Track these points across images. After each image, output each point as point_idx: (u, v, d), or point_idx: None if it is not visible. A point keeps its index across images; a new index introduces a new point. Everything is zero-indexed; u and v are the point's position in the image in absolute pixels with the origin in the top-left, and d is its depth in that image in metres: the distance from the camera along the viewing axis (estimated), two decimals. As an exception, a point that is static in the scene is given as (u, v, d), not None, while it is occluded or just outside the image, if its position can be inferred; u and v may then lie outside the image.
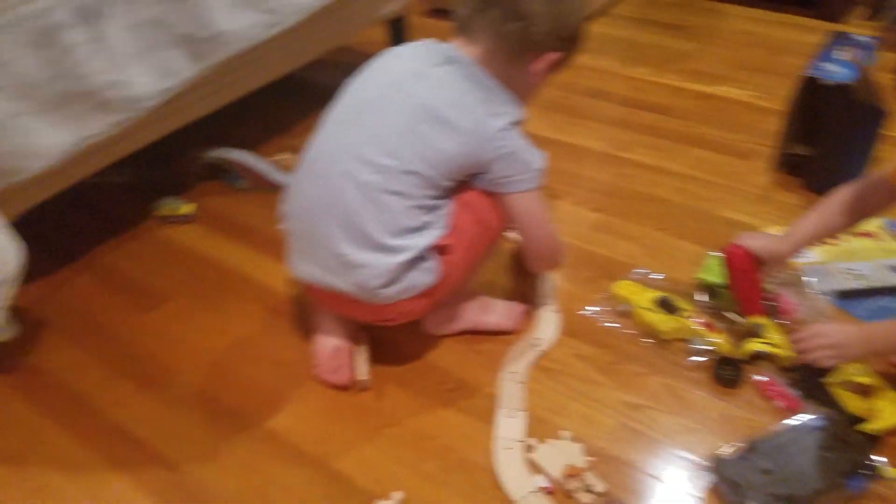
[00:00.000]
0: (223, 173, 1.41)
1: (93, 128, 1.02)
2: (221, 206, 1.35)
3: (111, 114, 1.04)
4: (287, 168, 1.45)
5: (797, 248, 1.00)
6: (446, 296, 0.94)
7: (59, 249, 1.24)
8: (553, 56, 0.92)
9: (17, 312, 0.95)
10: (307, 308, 1.07)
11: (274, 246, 1.18)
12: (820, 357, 0.89)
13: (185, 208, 1.31)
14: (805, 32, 2.02)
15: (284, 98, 1.64)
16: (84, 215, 1.33)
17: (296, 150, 1.48)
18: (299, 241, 0.93)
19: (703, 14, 2.16)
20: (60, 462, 0.89)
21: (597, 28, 2.04)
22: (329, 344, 0.98)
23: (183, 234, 1.28)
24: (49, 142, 0.98)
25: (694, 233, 1.25)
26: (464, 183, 0.91)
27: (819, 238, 1.01)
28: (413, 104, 0.87)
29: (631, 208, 1.32)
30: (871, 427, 0.86)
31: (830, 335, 0.90)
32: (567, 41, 0.92)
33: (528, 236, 0.98)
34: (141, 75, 1.07)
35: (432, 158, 0.86)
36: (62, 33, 0.96)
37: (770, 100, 1.66)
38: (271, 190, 1.37)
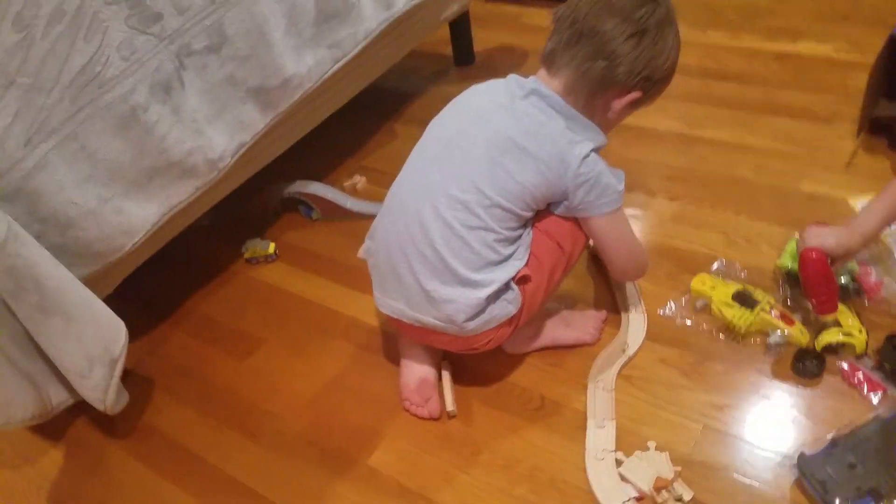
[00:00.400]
0: (298, 205, 1.57)
1: (179, 195, 1.18)
2: (299, 240, 1.51)
3: (194, 179, 1.19)
4: (360, 193, 1.60)
5: (869, 239, 1.03)
6: (527, 321, 1.05)
7: (153, 302, 1.41)
8: (636, 95, 0.97)
9: (124, 376, 1.10)
10: (393, 339, 1.20)
11: (354, 277, 1.34)
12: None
13: (269, 248, 1.47)
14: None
15: (351, 115, 1.71)
16: (172, 265, 1.46)
17: (366, 170, 1.63)
18: (384, 277, 1.04)
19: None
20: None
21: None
22: (415, 376, 1.11)
23: (268, 274, 1.44)
24: (139, 218, 1.12)
25: (775, 213, 1.30)
26: (542, 210, 1.01)
27: (892, 221, 1.04)
28: (495, 137, 0.96)
29: (709, 193, 1.37)
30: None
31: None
32: (652, 82, 0.97)
33: (612, 255, 1.06)
34: (218, 136, 1.21)
35: (514, 190, 0.95)
36: (142, 113, 1.09)
37: (855, 52, 1.66)
38: (345, 218, 1.52)
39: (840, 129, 1.45)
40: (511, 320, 1.00)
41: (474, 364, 1.14)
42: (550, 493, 0.96)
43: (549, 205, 1.01)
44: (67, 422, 1.21)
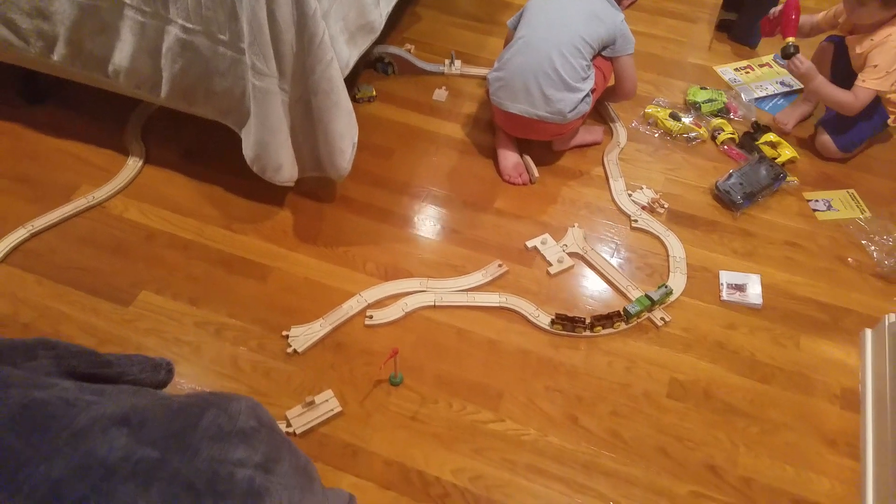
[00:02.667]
0: (376, 65, 2.08)
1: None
2: (387, 87, 2.04)
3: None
4: (415, 55, 2.14)
5: (810, 79, 1.74)
6: (580, 123, 1.76)
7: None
8: None
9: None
10: (474, 148, 1.85)
11: (436, 110, 1.93)
12: (797, 75, 1.74)
13: (372, 91, 1.99)
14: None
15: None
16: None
17: (410, 41, 2.16)
18: (514, 91, 1.65)
19: None
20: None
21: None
22: (510, 161, 1.79)
23: (376, 109, 1.98)
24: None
25: (677, 72, 2.10)
26: (596, 57, 1.70)
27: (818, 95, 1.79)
28: (584, 10, 1.65)
29: (642, 62, 2.11)
30: (779, 161, 1.80)
31: (803, 68, 1.70)
32: None
33: (627, 80, 1.79)
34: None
35: (595, 34, 1.65)
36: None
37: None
38: (414, 73, 2.07)
39: (702, 26, 2.29)
40: (584, 116, 1.71)
41: (542, 158, 1.83)
42: (596, 211, 1.73)
43: (603, 49, 1.70)
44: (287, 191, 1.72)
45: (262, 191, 1.68)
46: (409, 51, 2.14)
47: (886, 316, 1.42)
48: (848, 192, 1.80)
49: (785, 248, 1.66)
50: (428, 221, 1.70)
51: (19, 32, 1.62)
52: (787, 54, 1.72)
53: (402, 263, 1.61)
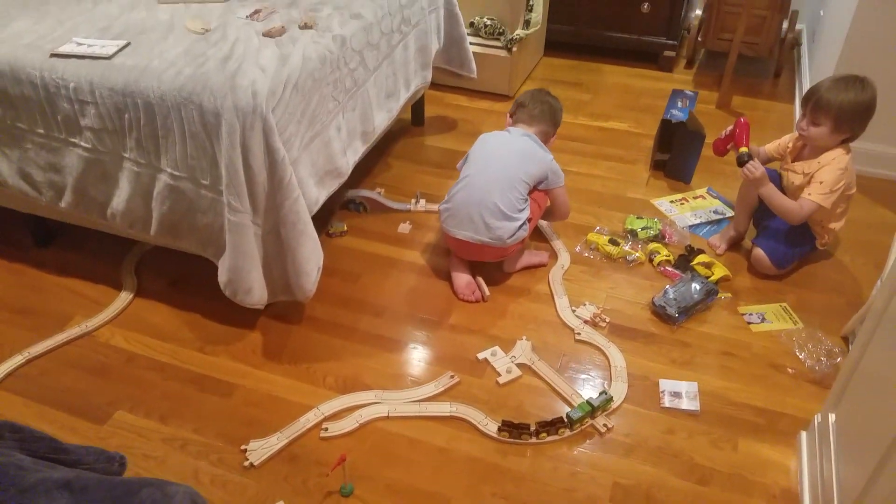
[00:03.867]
0: (349, 205, 2.26)
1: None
2: (358, 224, 2.20)
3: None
4: (385, 196, 2.32)
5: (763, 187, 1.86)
6: (524, 245, 1.88)
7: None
8: (554, 136, 1.94)
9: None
10: (435, 272, 1.96)
11: (398, 241, 2.06)
12: (750, 175, 1.83)
13: (343, 227, 2.15)
14: (653, 80, 3.12)
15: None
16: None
17: (380, 185, 2.35)
18: (460, 220, 1.80)
19: (591, 73, 3.21)
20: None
21: (528, 88, 3.03)
22: (463, 280, 1.89)
23: (346, 242, 2.12)
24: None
25: (617, 206, 2.26)
26: (532, 189, 1.86)
27: (772, 203, 1.87)
28: (519, 153, 1.84)
29: (584, 198, 2.31)
30: (712, 279, 1.89)
31: (757, 173, 1.82)
32: (557, 129, 1.98)
33: (559, 206, 1.97)
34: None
35: (529, 174, 1.82)
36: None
37: (640, 128, 2.72)
38: (383, 211, 2.24)
39: (640, 167, 2.49)
40: (523, 241, 1.84)
41: (493, 278, 1.94)
42: (543, 325, 1.80)
43: (536, 185, 1.86)
44: (257, 314, 1.81)
45: (236, 315, 1.77)
46: (380, 193, 2.32)
47: (815, 416, 1.43)
48: (780, 306, 1.86)
49: (721, 358, 1.70)
50: (388, 337, 1.77)
51: (34, 184, 1.80)
52: (741, 162, 1.86)
53: (362, 377, 1.65)
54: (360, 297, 1.90)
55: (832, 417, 1.28)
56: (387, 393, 1.60)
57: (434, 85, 2.47)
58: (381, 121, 2.07)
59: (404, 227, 2.16)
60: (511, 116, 2.00)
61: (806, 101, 1.81)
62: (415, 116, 2.77)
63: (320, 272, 1.69)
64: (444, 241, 1.96)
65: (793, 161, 1.92)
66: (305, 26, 1.76)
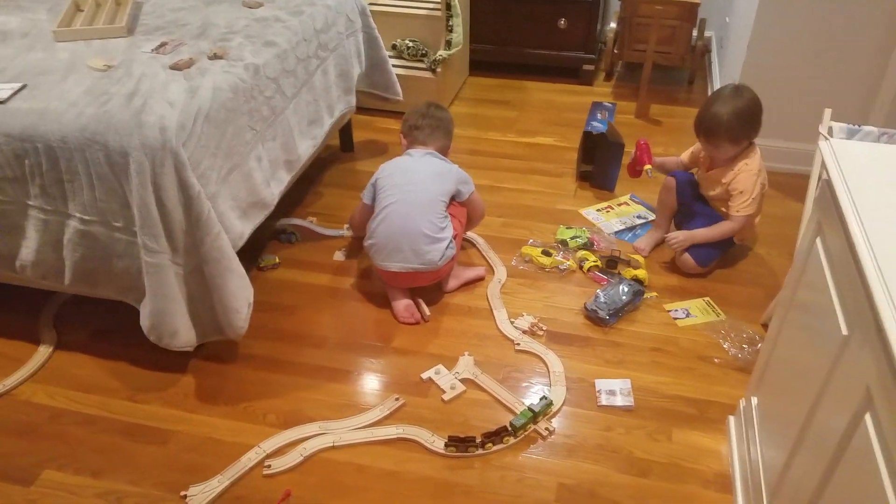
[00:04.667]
0: (280, 237, 2.29)
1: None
2: (290, 255, 2.22)
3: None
4: (318, 224, 2.35)
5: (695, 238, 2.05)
6: (453, 265, 1.96)
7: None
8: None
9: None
10: (368, 298, 2.01)
11: (334, 269, 2.11)
12: (678, 246, 2.01)
13: (275, 259, 2.17)
14: (575, 95, 3.28)
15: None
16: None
17: (313, 214, 2.38)
18: (388, 252, 1.86)
19: (516, 90, 3.35)
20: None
21: (456, 109, 3.15)
22: (402, 303, 1.94)
23: (280, 274, 2.14)
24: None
25: (548, 217, 2.37)
26: (450, 206, 1.94)
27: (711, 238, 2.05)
28: (431, 173, 1.92)
29: (517, 213, 2.41)
30: (637, 280, 2.01)
31: (681, 238, 2.01)
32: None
33: (475, 211, 2.06)
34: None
35: (445, 191, 1.90)
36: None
37: (565, 142, 2.86)
38: (314, 239, 2.28)
39: (567, 179, 2.62)
40: (453, 258, 1.91)
41: (432, 298, 2.00)
42: (484, 339, 1.87)
43: (452, 198, 1.95)
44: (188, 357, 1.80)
45: (166, 359, 1.76)
46: (312, 221, 2.36)
47: (740, 400, 1.54)
48: (704, 300, 2.00)
49: (651, 354, 1.81)
50: (330, 367, 1.80)
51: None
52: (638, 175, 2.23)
53: (304, 410, 1.67)
54: (298, 329, 1.92)
55: (754, 401, 1.39)
56: (331, 423, 1.63)
57: (362, 109, 2.54)
58: (306, 149, 2.12)
59: (339, 255, 2.20)
60: (405, 138, 2.07)
61: (698, 132, 2.00)
62: (344, 142, 2.82)
63: (251, 308, 1.71)
64: (377, 274, 2.01)
65: (707, 171, 2.09)
66: (215, 56, 1.79)
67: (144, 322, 1.62)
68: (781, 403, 1.23)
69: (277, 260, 2.17)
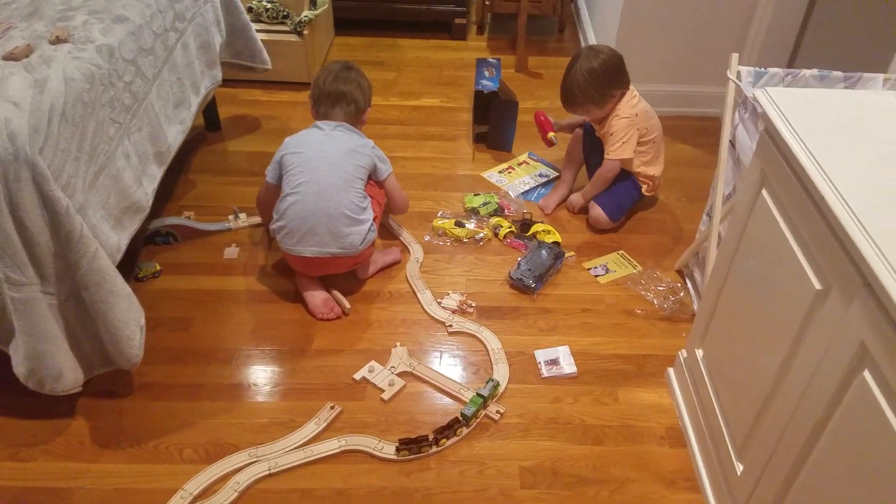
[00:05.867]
0: (156, 239, 2.03)
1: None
2: (171, 259, 1.98)
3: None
4: (196, 220, 2.11)
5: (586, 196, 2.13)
6: (372, 250, 1.84)
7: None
8: (368, 109, 1.89)
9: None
10: (286, 287, 1.85)
11: (227, 269, 1.92)
12: (576, 208, 2.06)
13: (156, 267, 1.92)
14: (451, 51, 3.21)
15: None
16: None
17: (188, 208, 2.14)
18: (301, 236, 1.69)
19: (389, 49, 3.21)
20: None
21: (329, 75, 2.94)
22: (318, 297, 1.80)
23: (164, 283, 1.90)
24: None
25: (452, 185, 2.31)
26: (368, 186, 1.81)
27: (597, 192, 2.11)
28: (342, 148, 1.76)
29: (419, 183, 2.31)
30: (551, 242, 2.02)
31: (576, 202, 2.05)
32: (369, 102, 1.91)
33: (396, 198, 1.94)
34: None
35: (360, 167, 1.76)
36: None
37: (451, 102, 2.79)
38: (197, 237, 2.05)
39: (462, 142, 2.56)
40: (374, 243, 1.80)
41: (349, 288, 1.88)
42: (413, 326, 1.79)
43: (369, 177, 1.82)
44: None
45: (49, 404, 1.51)
46: (189, 217, 2.11)
47: (680, 353, 1.60)
48: (618, 254, 2.05)
49: (581, 316, 1.83)
50: (244, 383, 1.63)
51: None
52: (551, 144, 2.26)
53: (226, 438, 1.51)
54: (198, 345, 1.72)
55: (700, 353, 1.44)
56: (261, 448, 1.48)
57: (224, 81, 2.29)
58: (176, 135, 1.87)
59: (231, 252, 2.00)
60: (313, 108, 1.90)
61: (563, 103, 2.08)
62: (209, 121, 2.55)
63: (144, 331, 1.49)
64: (287, 261, 1.84)
65: (594, 121, 2.15)
66: (58, 40, 1.50)
67: (20, 368, 1.36)
68: (739, 357, 1.25)
69: (158, 267, 1.93)
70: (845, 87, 1.51)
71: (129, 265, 1.90)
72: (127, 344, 1.45)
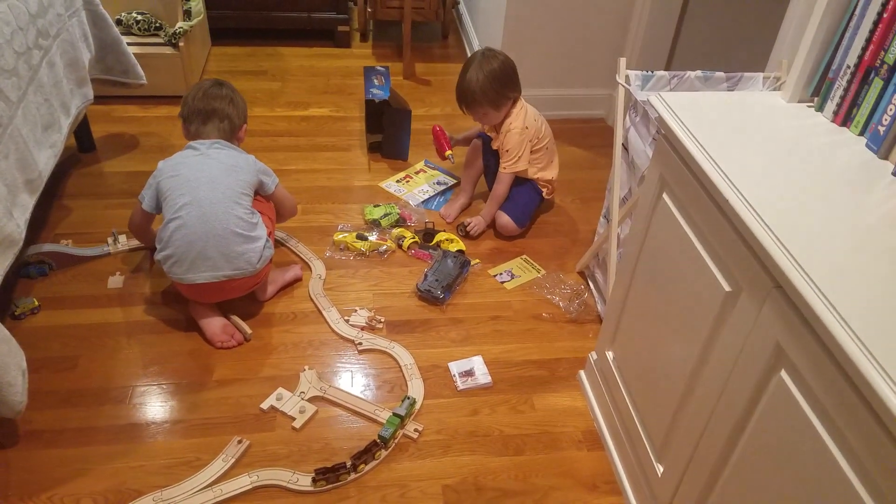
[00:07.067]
0: (29, 270, 1.79)
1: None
2: (49, 291, 1.76)
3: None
4: (74, 246, 1.89)
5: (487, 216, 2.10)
6: (270, 269, 1.72)
7: None
8: (245, 126, 1.78)
9: None
10: (178, 315, 1.69)
11: (112, 300, 1.75)
12: (478, 230, 2.03)
13: (34, 303, 1.69)
14: (335, 59, 3.11)
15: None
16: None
17: (65, 236, 1.92)
18: (191, 263, 1.55)
19: (270, 58, 3.06)
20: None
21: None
22: (216, 323, 1.66)
23: (43, 320, 1.68)
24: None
25: (350, 197, 2.22)
26: (256, 202, 1.69)
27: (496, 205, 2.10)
28: (221, 166, 1.63)
29: (316, 196, 2.21)
30: (456, 251, 1.99)
31: (475, 224, 2.02)
32: (245, 118, 1.79)
33: (284, 206, 1.84)
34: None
35: (245, 183, 1.64)
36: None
37: (341, 111, 2.70)
38: (76, 264, 1.83)
39: (356, 152, 2.47)
40: (271, 260, 1.69)
41: (247, 312, 1.75)
42: (321, 347, 1.69)
43: (256, 193, 1.70)
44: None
45: None
46: (67, 244, 1.89)
47: (590, 355, 1.62)
48: (522, 259, 2.06)
49: (491, 323, 1.82)
50: (141, 423, 1.47)
51: None
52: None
53: (127, 483, 1.35)
54: (87, 385, 1.54)
55: (611, 354, 1.46)
56: (167, 491, 1.33)
57: (96, 98, 2.08)
58: (47, 160, 1.68)
59: (115, 281, 1.80)
60: (185, 128, 1.75)
61: (460, 104, 2.07)
62: (82, 142, 2.31)
63: (26, 375, 1.31)
64: (177, 290, 1.68)
65: (489, 131, 2.16)
66: None
67: None
68: (652, 358, 1.26)
69: (37, 302, 1.71)
70: (728, 87, 1.58)
71: (3, 302, 1.68)
72: (8, 391, 1.27)
